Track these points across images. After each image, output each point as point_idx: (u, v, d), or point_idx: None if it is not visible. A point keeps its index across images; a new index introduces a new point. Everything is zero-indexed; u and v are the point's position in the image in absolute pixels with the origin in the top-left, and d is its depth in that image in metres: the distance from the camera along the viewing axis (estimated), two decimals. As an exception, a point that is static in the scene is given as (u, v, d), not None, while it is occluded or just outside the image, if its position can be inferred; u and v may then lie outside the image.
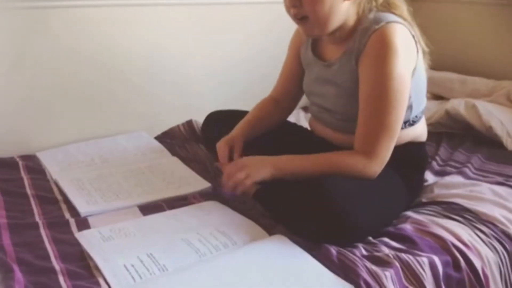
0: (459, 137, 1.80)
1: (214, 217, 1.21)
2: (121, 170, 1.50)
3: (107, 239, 1.11)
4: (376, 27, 1.17)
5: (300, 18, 1.21)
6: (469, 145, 1.73)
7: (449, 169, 1.53)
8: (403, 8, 1.25)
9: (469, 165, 1.54)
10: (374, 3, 1.23)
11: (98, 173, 1.48)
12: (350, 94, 1.23)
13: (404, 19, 1.22)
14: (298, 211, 1.13)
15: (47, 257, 1.06)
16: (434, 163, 1.57)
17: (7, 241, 1.11)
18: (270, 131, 1.47)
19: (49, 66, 1.70)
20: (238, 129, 1.41)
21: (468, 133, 1.79)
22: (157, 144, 1.73)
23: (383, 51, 1.15)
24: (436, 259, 1.06)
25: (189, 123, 1.84)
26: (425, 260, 1.05)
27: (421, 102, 1.30)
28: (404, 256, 1.06)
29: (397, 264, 1.03)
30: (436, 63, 1.28)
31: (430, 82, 1.34)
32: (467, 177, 1.46)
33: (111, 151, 1.66)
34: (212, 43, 2.01)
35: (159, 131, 1.83)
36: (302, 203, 1.12)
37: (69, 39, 1.71)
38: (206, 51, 2.00)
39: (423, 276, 1.03)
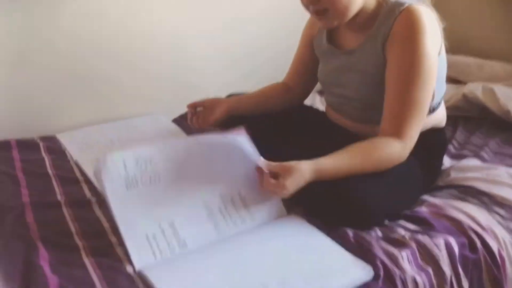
0: (476, 121, 1.79)
1: (238, 169, 1.13)
2: (139, 151, 1.52)
3: (131, 185, 1.05)
4: (401, 8, 1.16)
5: (320, 13, 1.19)
6: (486, 129, 1.71)
7: (465, 152, 1.53)
8: None
9: (486, 148, 1.53)
10: None
11: (117, 154, 1.49)
12: (374, 80, 1.22)
13: (424, 1, 1.21)
14: (317, 197, 1.12)
15: (70, 234, 1.09)
16: (450, 147, 1.56)
17: (30, 219, 1.14)
18: (286, 113, 1.47)
19: (68, 49, 1.72)
20: (233, 99, 1.46)
21: (485, 117, 1.78)
22: (174, 126, 1.75)
23: (413, 29, 1.14)
24: (452, 241, 1.07)
25: (205, 106, 1.84)
26: (441, 241, 1.06)
27: (442, 89, 1.29)
28: (420, 237, 1.07)
29: (413, 245, 1.05)
30: (453, 47, 1.27)
31: (447, 65, 1.33)
32: (484, 160, 1.45)
33: (129, 133, 1.68)
34: (231, 26, 2.01)
35: (176, 114, 1.85)
36: (323, 191, 1.11)
37: (86, 22, 1.73)
38: (224, 35, 2.01)
39: (439, 256, 1.04)
